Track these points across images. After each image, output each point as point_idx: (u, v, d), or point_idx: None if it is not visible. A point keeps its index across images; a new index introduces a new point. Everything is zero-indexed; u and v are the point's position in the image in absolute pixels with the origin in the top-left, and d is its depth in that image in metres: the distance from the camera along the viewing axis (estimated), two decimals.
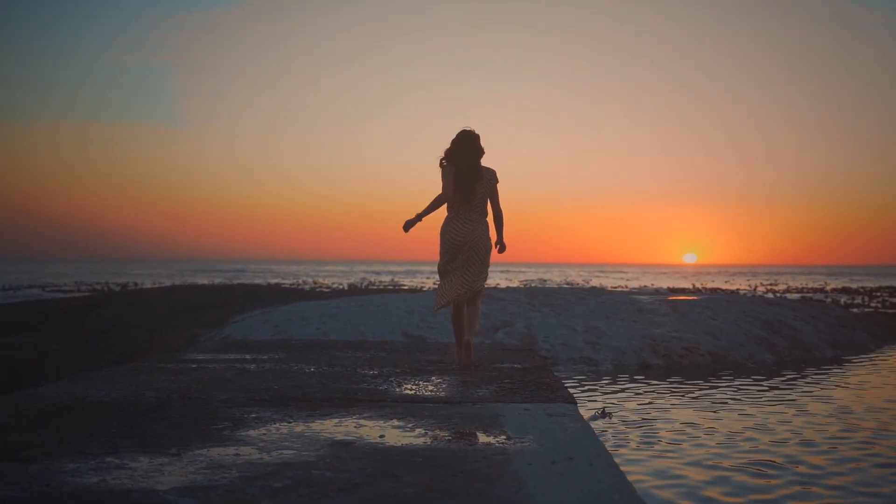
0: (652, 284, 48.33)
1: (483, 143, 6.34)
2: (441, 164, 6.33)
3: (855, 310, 18.96)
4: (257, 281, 59.84)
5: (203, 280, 50.38)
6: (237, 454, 3.66)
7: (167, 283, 42.76)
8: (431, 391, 5.64)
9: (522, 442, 3.90)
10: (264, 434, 4.13)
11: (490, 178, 6.38)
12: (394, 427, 4.32)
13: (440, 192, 6.38)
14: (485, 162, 6.44)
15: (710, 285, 56.77)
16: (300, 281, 59.56)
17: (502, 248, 6.59)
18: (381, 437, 4.06)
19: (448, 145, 6.40)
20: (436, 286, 7.53)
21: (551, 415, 4.58)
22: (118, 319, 13.61)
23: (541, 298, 11.85)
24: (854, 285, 58.29)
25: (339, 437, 4.05)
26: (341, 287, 39.17)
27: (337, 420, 4.54)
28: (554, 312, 10.88)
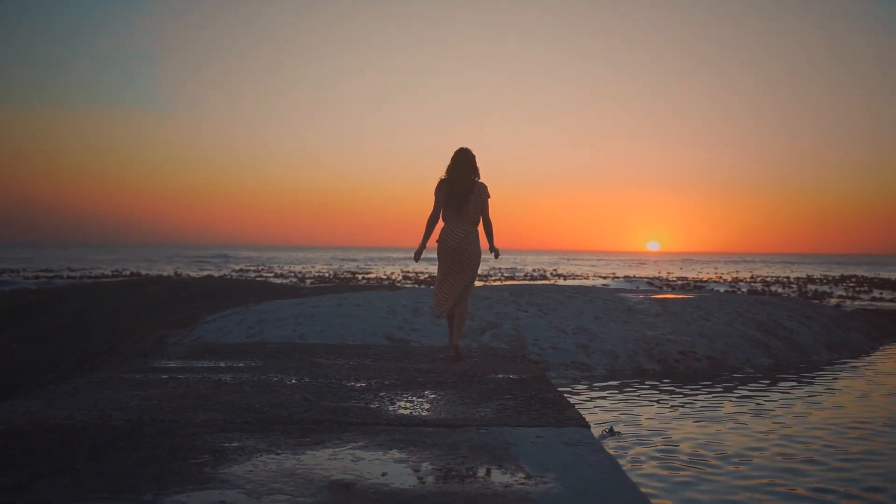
0: (614, 273, 48.14)
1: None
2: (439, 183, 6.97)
3: (831, 302, 18.87)
4: (234, 266, 58.87)
5: (167, 269, 49.40)
6: (222, 501, 3.20)
7: (129, 271, 41.79)
8: (428, 410, 5.19)
9: (544, 481, 3.47)
10: (250, 471, 3.66)
11: (480, 192, 6.94)
12: (396, 461, 3.86)
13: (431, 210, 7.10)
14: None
15: (676, 274, 56.95)
16: (266, 268, 58.75)
17: (497, 254, 7.21)
18: (384, 474, 3.61)
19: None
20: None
21: (568, 444, 4.16)
22: (81, 317, 12.97)
23: (526, 297, 11.43)
24: (817, 274, 58.85)
25: (337, 475, 3.59)
26: (311, 278, 38.51)
27: (331, 451, 4.07)
28: (541, 313, 10.47)
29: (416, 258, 7.08)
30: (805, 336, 10.91)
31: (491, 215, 7.09)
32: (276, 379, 6.49)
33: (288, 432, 4.52)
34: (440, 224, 7.16)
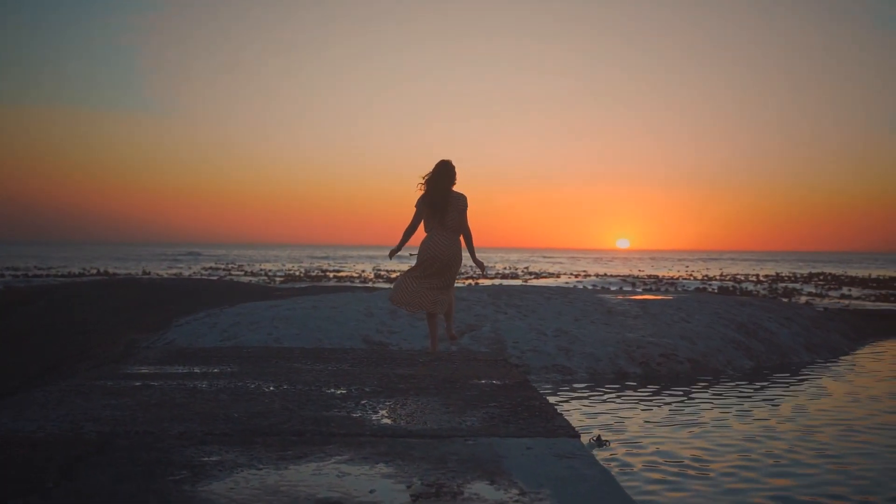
0: (585, 271, 48.19)
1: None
2: (418, 189, 7.33)
3: (801, 299, 19.04)
4: (204, 264, 58.16)
5: (136, 268, 48.73)
6: None
7: (96, 270, 41.11)
8: (413, 419, 5.06)
9: (539, 497, 3.36)
10: (232, 489, 3.50)
11: (458, 202, 7.22)
12: (383, 475, 3.73)
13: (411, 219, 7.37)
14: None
15: (647, 272, 57.30)
16: (236, 266, 58.26)
17: (482, 268, 7.56)
18: (372, 491, 3.48)
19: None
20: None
21: (560, 456, 4.05)
22: (49, 319, 12.68)
23: (505, 299, 11.32)
24: (786, 271, 59.56)
25: (322, 493, 3.45)
26: (282, 276, 38.15)
27: (315, 466, 3.93)
28: (521, 314, 10.37)
29: (391, 256, 7.48)
30: (785, 337, 10.91)
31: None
32: (253, 386, 6.32)
33: (269, 444, 4.37)
34: (420, 233, 7.49)
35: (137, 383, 6.39)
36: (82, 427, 4.73)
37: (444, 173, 7.15)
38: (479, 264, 7.47)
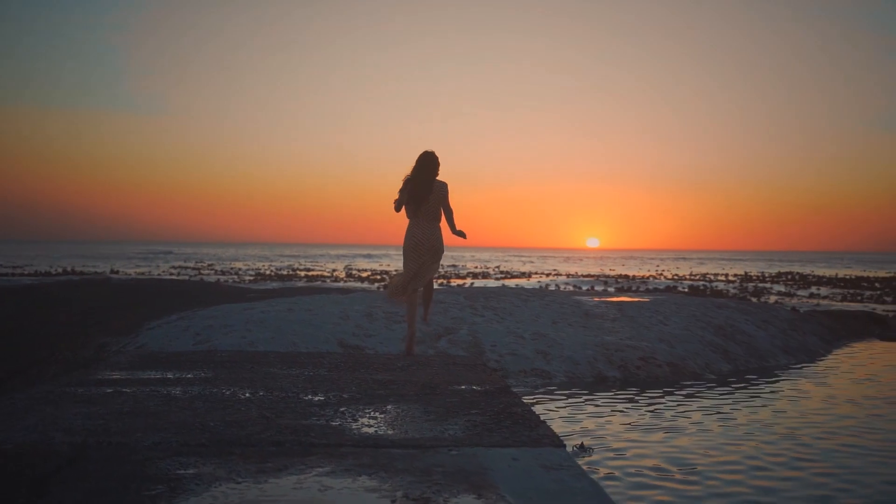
0: (556, 270, 48.23)
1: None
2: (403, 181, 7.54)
3: (771, 298, 19.25)
4: (174, 263, 57.54)
5: (103, 266, 48.02)
6: None
7: (62, 269, 40.44)
8: (394, 428, 4.96)
9: None
10: None
11: (440, 190, 7.52)
12: (367, 489, 3.63)
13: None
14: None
15: (618, 271, 57.58)
16: (206, 264, 57.70)
17: (461, 234, 7.68)
18: None
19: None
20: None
21: (547, 467, 3.97)
22: (15, 321, 12.40)
23: (482, 301, 11.25)
24: (754, 271, 60.17)
25: None
26: (252, 275, 37.75)
27: (295, 479, 3.82)
28: (498, 317, 10.30)
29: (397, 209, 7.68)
30: (762, 340, 10.94)
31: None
32: (228, 392, 6.18)
33: (247, 456, 4.26)
34: (406, 222, 7.73)
35: (109, 390, 6.23)
36: (53, 438, 4.58)
37: (425, 165, 7.39)
38: (460, 233, 7.68)
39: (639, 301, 12.36)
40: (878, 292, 33.30)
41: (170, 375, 7.01)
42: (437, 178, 7.55)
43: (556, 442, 4.52)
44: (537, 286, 33.78)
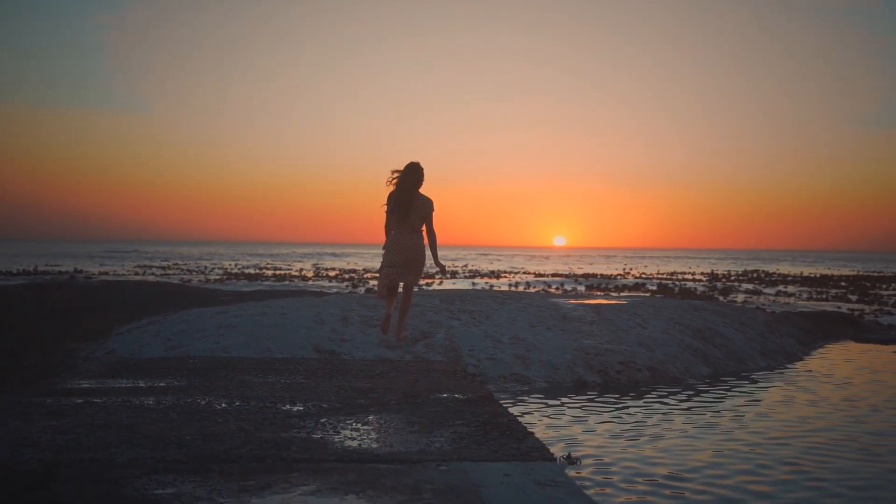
0: (524, 268, 48.25)
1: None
2: (388, 184, 7.52)
3: (742, 297, 19.41)
4: (139, 262, 56.70)
5: (67, 265, 47.18)
6: None
7: (23, 268, 39.61)
8: (378, 441, 4.82)
9: None
10: None
11: (424, 204, 7.39)
12: None
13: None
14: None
15: (585, 269, 57.81)
16: (172, 263, 56.97)
17: (443, 270, 7.55)
18: None
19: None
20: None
21: (541, 484, 3.86)
22: None
23: (458, 304, 11.14)
24: (721, 269, 60.71)
25: None
26: (219, 274, 37.26)
27: (280, 498, 3.68)
28: (475, 321, 10.20)
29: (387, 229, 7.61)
30: (741, 343, 10.95)
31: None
32: (204, 402, 6.00)
33: (228, 473, 4.10)
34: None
35: (79, 400, 6.02)
36: (22, 455, 4.38)
37: (409, 176, 7.32)
38: (441, 267, 7.54)
39: (616, 303, 12.32)
40: (843, 290, 33.73)
41: (142, 384, 6.81)
42: (422, 192, 7.39)
43: (547, 455, 4.42)
44: (508, 286, 33.74)
